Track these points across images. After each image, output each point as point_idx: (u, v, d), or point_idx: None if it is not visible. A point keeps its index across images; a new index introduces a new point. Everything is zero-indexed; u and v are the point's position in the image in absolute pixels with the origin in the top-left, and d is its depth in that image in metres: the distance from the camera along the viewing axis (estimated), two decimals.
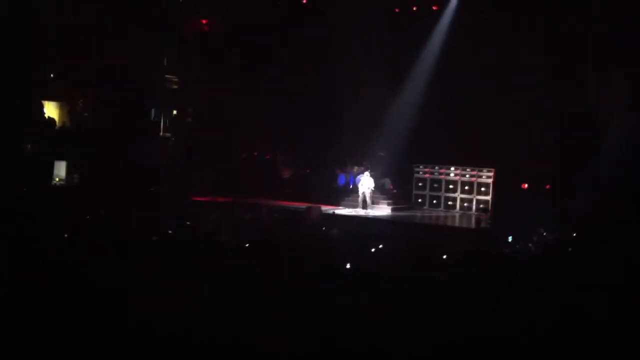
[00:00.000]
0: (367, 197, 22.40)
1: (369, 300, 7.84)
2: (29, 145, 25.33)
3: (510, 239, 15.08)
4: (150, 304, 7.20)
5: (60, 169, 26.32)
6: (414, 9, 25.30)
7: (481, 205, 23.20)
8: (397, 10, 25.51)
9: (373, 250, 12.22)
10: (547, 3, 21.68)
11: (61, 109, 27.88)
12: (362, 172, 23.10)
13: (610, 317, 7.40)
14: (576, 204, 20.59)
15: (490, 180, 23.34)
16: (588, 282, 9.42)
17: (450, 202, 24.01)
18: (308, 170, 26.94)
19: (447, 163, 24.12)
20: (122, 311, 7.01)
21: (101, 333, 6.48)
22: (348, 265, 10.36)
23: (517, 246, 14.48)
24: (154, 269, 9.10)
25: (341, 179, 25.38)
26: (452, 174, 24.07)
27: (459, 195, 23.84)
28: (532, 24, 21.52)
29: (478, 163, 23.52)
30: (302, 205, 21.03)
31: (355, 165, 24.89)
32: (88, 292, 7.72)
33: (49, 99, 27.25)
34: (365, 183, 22.43)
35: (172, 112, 30.17)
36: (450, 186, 24.05)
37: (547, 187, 22.76)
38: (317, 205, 21.11)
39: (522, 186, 23.08)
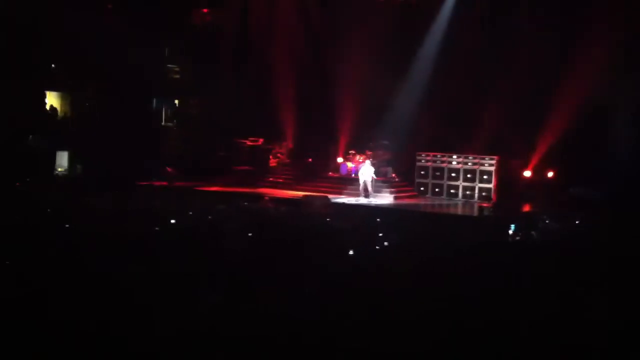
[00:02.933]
0: (368, 186, 22.42)
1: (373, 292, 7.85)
2: (31, 136, 25.34)
3: (513, 227, 15.07)
4: (150, 298, 7.21)
5: (63, 160, 26.36)
6: None
7: (484, 193, 23.17)
8: None
9: (376, 240, 12.24)
10: None
11: (63, 99, 27.87)
12: (364, 161, 23.10)
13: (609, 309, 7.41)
14: (579, 192, 20.59)
15: (493, 168, 23.27)
16: (588, 272, 9.42)
17: (452, 190, 23.93)
18: (310, 160, 26.92)
19: (450, 151, 24.03)
20: (124, 304, 7.02)
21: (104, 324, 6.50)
22: (351, 252, 10.38)
23: (520, 234, 14.48)
24: (155, 260, 9.12)
25: (343, 168, 25.36)
26: (454, 162, 24.01)
27: (461, 183, 23.80)
28: (539, 11, 21.43)
29: (481, 151, 23.45)
30: (310, 194, 21.02)
31: (357, 154, 24.87)
32: (91, 283, 7.74)
33: (51, 89, 27.23)
34: (366, 172, 22.44)
35: (174, 101, 30.17)
36: (453, 174, 23.98)
37: (550, 175, 22.75)
38: (321, 194, 21.14)
39: (525, 174, 23.05)
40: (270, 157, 27.04)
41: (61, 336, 6.22)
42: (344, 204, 21.54)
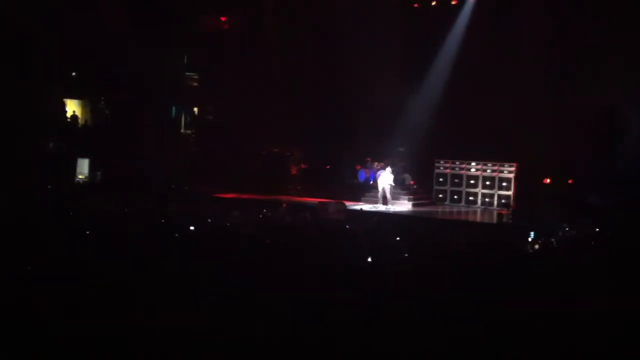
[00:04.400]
0: (387, 193, 22.38)
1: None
2: (51, 144, 25.62)
3: (532, 234, 14.97)
4: (163, 304, 7.21)
5: (83, 167, 26.61)
6: (433, 4, 25.19)
7: (503, 201, 23.01)
8: (416, 5, 25.42)
9: (393, 246, 12.21)
10: None
11: (83, 107, 28.18)
12: (382, 168, 23.07)
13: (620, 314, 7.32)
14: (599, 199, 20.39)
15: (512, 175, 23.13)
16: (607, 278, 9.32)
17: (471, 198, 23.82)
18: (328, 167, 26.94)
19: (468, 158, 23.93)
20: (138, 309, 7.03)
21: (118, 331, 6.50)
22: (369, 259, 10.36)
23: (540, 242, 14.37)
24: (173, 266, 9.14)
25: (361, 175, 25.37)
26: (473, 169, 23.90)
27: (480, 190, 23.67)
28: (553, 19, 21.31)
29: (500, 158, 23.32)
30: (328, 201, 21.00)
31: (375, 161, 24.85)
32: (107, 290, 7.77)
33: (72, 97, 27.54)
34: (385, 179, 22.42)
35: (193, 109, 30.36)
36: (472, 181, 23.86)
37: (570, 182, 22.55)
38: (339, 200, 21.11)
39: (545, 181, 22.86)
40: (289, 164, 27.10)
41: (61, 336, 6.26)
42: (361, 210, 21.53)
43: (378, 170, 23.76)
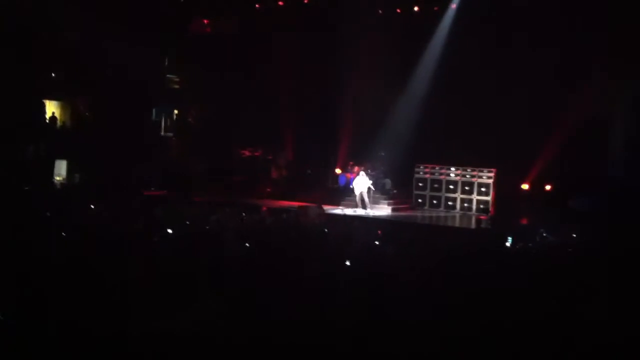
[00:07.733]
0: (365, 197, 22.40)
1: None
2: (30, 145, 25.37)
3: (510, 239, 15.05)
4: (147, 306, 7.19)
5: (61, 168, 26.38)
6: (416, 9, 25.28)
7: (481, 206, 23.17)
8: (399, 10, 25.53)
9: (371, 250, 12.24)
10: (551, 4, 21.57)
11: (62, 108, 27.95)
12: (358, 172, 23.10)
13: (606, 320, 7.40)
14: (577, 205, 20.55)
15: (490, 181, 23.29)
16: (586, 284, 9.42)
17: (450, 203, 23.95)
18: (309, 171, 26.92)
19: (448, 163, 24.05)
20: (119, 312, 7.00)
21: (97, 333, 6.47)
22: (347, 262, 10.39)
23: (517, 247, 14.47)
24: (153, 269, 9.10)
25: (342, 179, 25.37)
26: (452, 174, 24.02)
27: (459, 195, 23.80)
28: (535, 25, 21.46)
29: (479, 163, 23.45)
30: (307, 205, 20.94)
31: (356, 166, 24.86)
32: (85, 291, 7.72)
33: (50, 98, 27.30)
34: (361, 183, 22.43)
35: (174, 111, 30.22)
36: (451, 186, 23.99)
37: (548, 188, 22.71)
38: (315, 204, 21.09)
39: (523, 187, 23.02)
40: (270, 167, 27.05)
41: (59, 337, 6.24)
42: (341, 214, 21.56)
43: (355, 174, 23.80)
